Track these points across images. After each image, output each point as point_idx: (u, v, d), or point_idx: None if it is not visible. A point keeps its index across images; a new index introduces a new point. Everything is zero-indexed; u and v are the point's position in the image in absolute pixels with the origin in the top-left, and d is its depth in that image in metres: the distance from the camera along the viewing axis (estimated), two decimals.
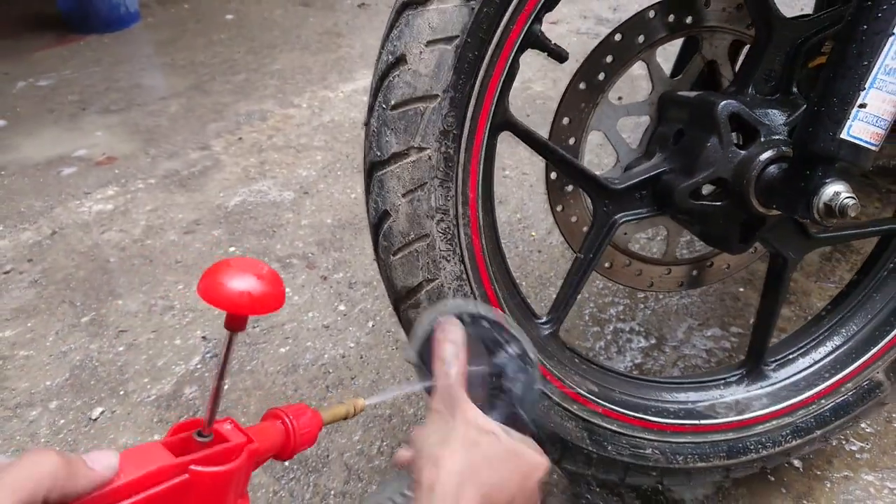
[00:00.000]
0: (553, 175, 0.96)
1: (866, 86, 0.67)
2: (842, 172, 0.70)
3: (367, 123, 0.75)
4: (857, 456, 1.16)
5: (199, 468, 0.51)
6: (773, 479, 1.12)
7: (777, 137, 0.81)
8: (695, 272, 1.07)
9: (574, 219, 0.99)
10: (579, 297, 1.53)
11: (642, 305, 1.49)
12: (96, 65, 2.96)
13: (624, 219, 0.88)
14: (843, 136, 0.68)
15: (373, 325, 1.46)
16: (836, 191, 0.69)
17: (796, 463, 1.15)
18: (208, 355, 1.39)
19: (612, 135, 0.95)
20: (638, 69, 1.02)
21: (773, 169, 0.77)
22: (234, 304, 0.50)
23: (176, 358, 1.39)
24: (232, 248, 1.71)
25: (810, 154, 0.71)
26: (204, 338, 1.43)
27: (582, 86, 0.91)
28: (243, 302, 0.50)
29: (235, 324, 0.53)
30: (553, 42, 0.79)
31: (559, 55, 0.79)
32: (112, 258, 1.70)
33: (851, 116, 0.68)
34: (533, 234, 1.76)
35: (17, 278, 1.64)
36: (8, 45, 3.15)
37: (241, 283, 0.50)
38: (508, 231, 1.77)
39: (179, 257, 1.69)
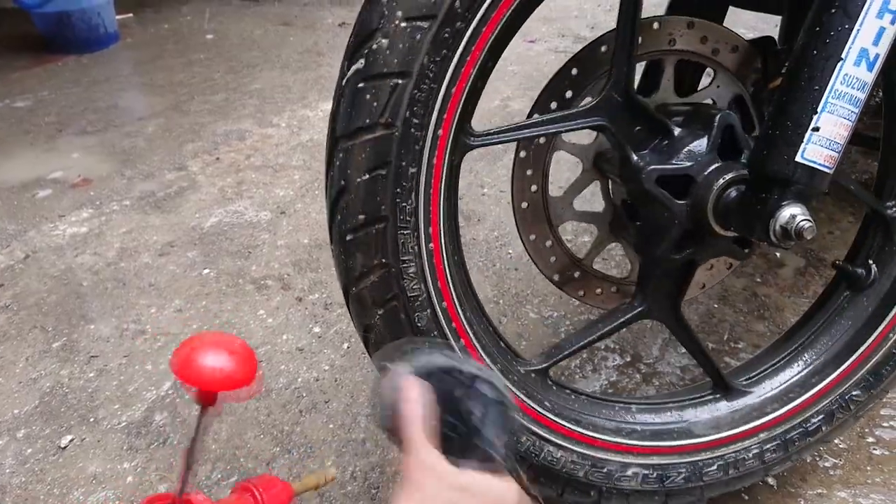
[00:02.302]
0: (525, 205, 0.97)
1: (819, 109, 0.67)
2: (798, 195, 0.71)
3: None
4: (831, 472, 1.16)
5: None
6: (746, 497, 1.12)
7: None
8: None
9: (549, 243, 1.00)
10: (555, 314, 1.54)
11: None
12: (74, 85, 2.95)
13: None
14: (798, 159, 0.69)
15: (348, 347, 1.45)
16: (792, 214, 0.70)
17: (770, 481, 1.14)
18: (179, 381, 1.37)
19: None
20: None
21: (732, 191, 0.78)
22: (206, 381, 0.51)
23: (147, 384, 1.37)
24: (206, 270, 1.70)
25: (766, 177, 0.72)
26: None
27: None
28: (216, 378, 0.51)
29: (208, 399, 0.52)
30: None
31: None
32: (85, 282, 1.68)
33: (805, 140, 0.68)
34: (510, 251, 1.76)
35: None
36: None
37: (215, 360, 0.50)
38: (486, 249, 1.77)
39: (153, 280, 1.67)
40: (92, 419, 1.30)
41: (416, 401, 0.64)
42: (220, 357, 0.50)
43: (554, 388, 0.95)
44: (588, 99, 0.87)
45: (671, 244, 0.87)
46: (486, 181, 2.09)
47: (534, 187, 0.98)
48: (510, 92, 2.68)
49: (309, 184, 2.10)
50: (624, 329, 1.43)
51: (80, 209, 2.00)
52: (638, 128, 0.84)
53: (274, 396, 1.33)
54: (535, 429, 0.87)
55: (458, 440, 0.65)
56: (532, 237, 1.01)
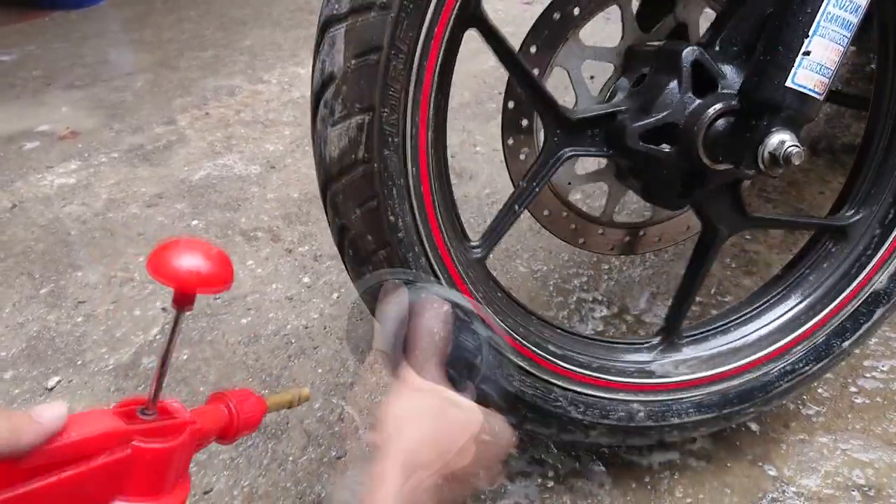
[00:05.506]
0: (510, 104, 0.95)
1: (810, 33, 0.67)
2: (787, 121, 0.70)
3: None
4: (813, 419, 1.18)
5: (141, 443, 0.52)
6: (729, 442, 1.13)
7: (732, 92, 0.81)
8: (627, 238, 1.08)
9: (523, 156, 0.98)
10: (544, 268, 1.54)
11: (606, 277, 1.50)
12: (62, 41, 2.90)
13: (572, 153, 0.87)
14: (789, 84, 0.68)
15: (337, 297, 1.45)
16: (781, 140, 0.69)
17: (753, 427, 1.16)
18: (168, 325, 1.37)
19: (575, 75, 0.94)
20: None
21: (722, 121, 0.77)
22: (182, 282, 0.51)
23: (135, 328, 1.37)
24: (195, 222, 1.69)
25: (756, 103, 0.71)
26: (164, 309, 1.41)
27: (556, 16, 0.90)
28: (192, 279, 0.51)
29: (183, 301, 0.53)
30: None
31: None
32: (73, 231, 1.67)
33: (796, 64, 0.68)
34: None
35: None
36: None
37: (190, 261, 0.51)
38: (477, 206, 1.77)
39: (141, 230, 1.66)
40: (79, 362, 1.30)
41: (435, 323, 0.67)
42: (197, 259, 0.50)
43: None
44: None
45: (676, 192, 0.87)
46: (479, 139, 2.07)
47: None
48: None
49: (299, 139, 2.08)
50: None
51: (68, 161, 1.98)
52: None
53: (262, 342, 1.33)
54: None
55: (452, 371, 0.67)
56: (510, 141, 0.99)
